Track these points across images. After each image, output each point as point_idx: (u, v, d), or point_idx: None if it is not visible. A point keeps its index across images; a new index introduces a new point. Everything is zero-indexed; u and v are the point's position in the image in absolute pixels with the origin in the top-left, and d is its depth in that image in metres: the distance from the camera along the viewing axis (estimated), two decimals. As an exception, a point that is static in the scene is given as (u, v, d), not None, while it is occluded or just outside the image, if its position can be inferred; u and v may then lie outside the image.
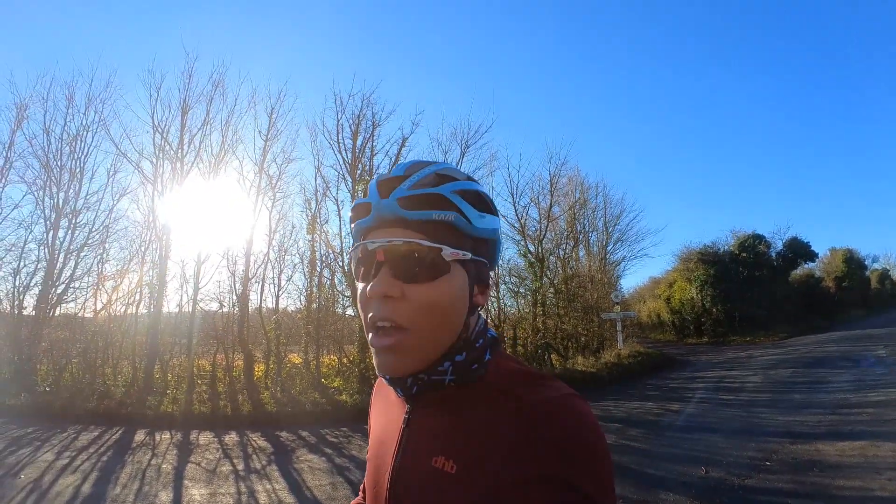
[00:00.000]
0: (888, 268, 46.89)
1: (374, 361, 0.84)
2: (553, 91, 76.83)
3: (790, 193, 70.27)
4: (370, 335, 0.82)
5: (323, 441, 8.41)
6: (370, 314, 0.82)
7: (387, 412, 0.96)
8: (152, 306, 13.72)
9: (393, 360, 0.81)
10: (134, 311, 14.14)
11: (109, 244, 14.85)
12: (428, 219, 0.80)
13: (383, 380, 0.89)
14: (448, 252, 0.80)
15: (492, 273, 0.94)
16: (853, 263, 38.23)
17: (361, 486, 1.05)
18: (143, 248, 14.47)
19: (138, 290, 14.14)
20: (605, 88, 78.71)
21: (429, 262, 0.80)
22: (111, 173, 14.82)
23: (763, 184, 73.09)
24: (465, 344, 0.84)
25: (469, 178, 0.88)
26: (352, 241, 0.90)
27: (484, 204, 0.86)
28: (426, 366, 0.82)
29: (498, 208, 0.93)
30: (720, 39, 79.05)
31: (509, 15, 78.69)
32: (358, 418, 10.21)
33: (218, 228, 17.03)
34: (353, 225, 0.88)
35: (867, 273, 41.82)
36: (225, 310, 14.20)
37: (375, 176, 0.89)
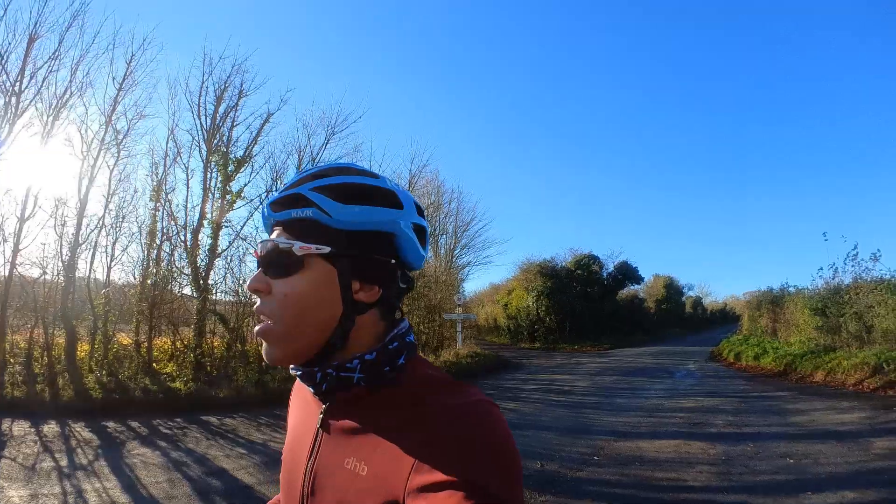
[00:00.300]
0: (701, 296, 54.30)
1: None
2: (422, 94, 77.45)
3: (625, 222, 78.29)
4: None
5: (156, 433, 7.95)
6: None
7: (303, 410, 0.98)
8: None
9: (267, 349, 0.86)
10: (-65, 273, 12.16)
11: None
12: (287, 217, 0.86)
13: (294, 374, 0.91)
14: (297, 247, 0.83)
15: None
16: (672, 289, 43.75)
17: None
18: None
19: None
20: (472, 97, 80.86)
21: (285, 257, 0.84)
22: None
23: (603, 210, 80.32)
24: (376, 343, 0.87)
25: (364, 173, 0.90)
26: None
27: (358, 196, 0.85)
28: (300, 358, 0.86)
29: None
30: (586, 57, 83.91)
31: (390, 11, 77.92)
32: (193, 408, 9.78)
33: (49, 182, 15.05)
34: None
35: (683, 298, 48.42)
36: (48, 277, 12.53)
37: None
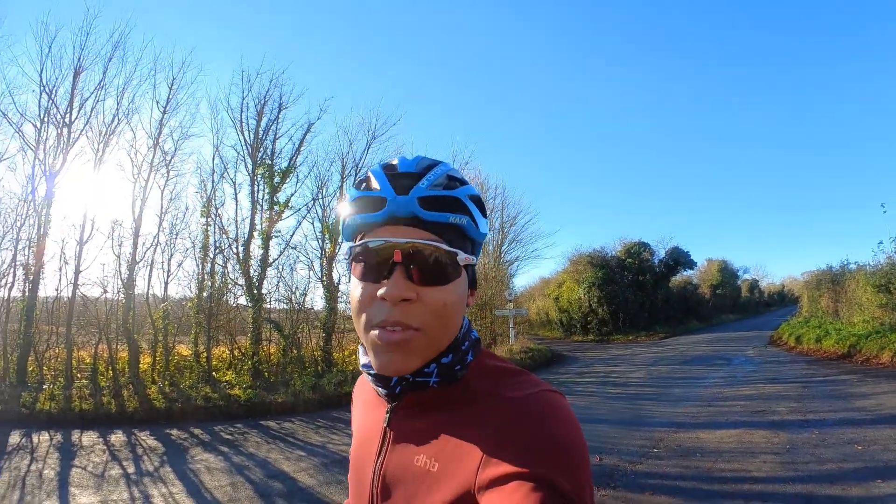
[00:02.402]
0: (757, 279, 52.39)
1: (371, 359, 0.83)
2: (464, 92, 77.51)
3: (676, 207, 76.50)
4: (374, 332, 0.80)
5: (217, 438, 8.14)
6: (378, 317, 0.79)
7: (368, 411, 0.97)
8: (27, 290, 12.30)
9: (399, 359, 0.79)
10: (6, 296, 12.70)
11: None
12: (444, 221, 0.80)
13: (367, 377, 0.90)
14: (462, 257, 0.81)
15: None
16: (727, 273, 42.18)
17: None
18: (18, 224, 12.70)
19: (11, 270, 12.64)
20: (515, 94, 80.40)
21: (447, 265, 0.80)
22: (-14, 135, 12.87)
23: (652, 196, 78.70)
24: (452, 346, 0.84)
25: (469, 182, 0.88)
26: (343, 234, 0.89)
27: (483, 209, 0.87)
28: (427, 364, 0.83)
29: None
30: (627, 50, 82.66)
31: (426, 10, 78.29)
32: (252, 413, 9.98)
33: (104, 205, 15.69)
34: (349, 217, 0.85)
35: (739, 282, 46.58)
36: (109, 296, 13.05)
37: (379, 167, 0.86)
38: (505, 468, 0.69)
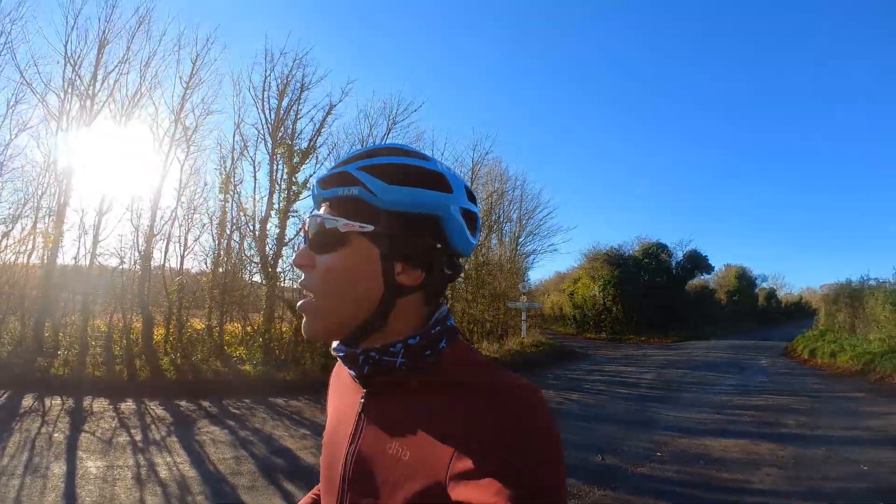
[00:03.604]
0: (775, 287, 51.47)
1: None
2: (488, 82, 77.03)
3: (695, 210, 75.72)
4: None
5: (225, 413, 8.23)
6: None
7: (343, 395, 0.97)
8: (46, 257, 12.55)
9: (305, 322, 0.87)
10: (25, 262, 12.86)
11: (2, 184, 13.08)
12: (334, 195, 0.86)
13: (339, 359, 0.91)
14: (341, 224, 0.83)
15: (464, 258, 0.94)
16: (744, 280, 41.71)
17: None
18: (39, 192, 12.99)
19: (31, 238, 12.81)
20: (535, 83, 79.87)
21: (329, 234, 0.84)
22: (11, 104, 13.00)
23: (672, 198, 78.03)
24: (419, 328, 0.85)
25: (414, 155, 0.87)
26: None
27: (404, 177, 0.83)
28: (337, 334, 0.87)
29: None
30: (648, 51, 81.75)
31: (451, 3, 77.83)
32: (261, 390, 10.06)
33: (124, 178, 15.82)
34: None
35: (756, 290, 45.80)
36: (125, 266, 13.20)
37: None
38: (477, 461, 0.69)
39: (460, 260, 0.91)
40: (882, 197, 75.71)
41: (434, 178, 0.85)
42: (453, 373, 0.82)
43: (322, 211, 0.88)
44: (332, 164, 0.90)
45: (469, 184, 0.90)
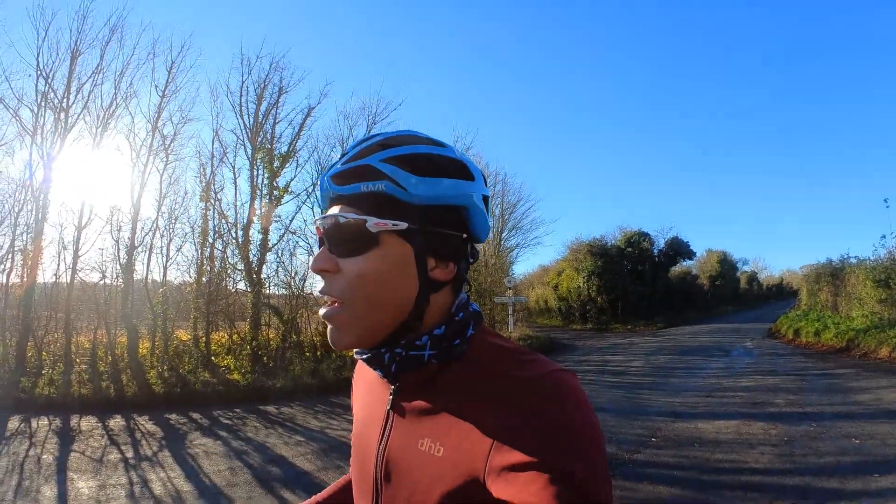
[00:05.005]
0: (756, 270, 52.40)
1: None
2: (464, 79, 77.20)
3: (676, 197, 76.59)
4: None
5: (216, 423, 8.15)
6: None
7: (369, 393, 0.94)
8: (25, 275, 12.26)
9: (333, 333, 0.81)
10: (4, 281, 12.65)
11: (-23, 203, 12.77)
12: (356, 192, 0.79)
13: (362, 361, 0.86)
14: (372, 223, 0.78)
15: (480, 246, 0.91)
16: (726, 265, 42.18)
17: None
18: (16, 209, 12.69)
19: (9, 256, 12.53)
20: (512, 77, 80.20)
21: (356, 235, 0.78)
22: (-17, 121, 12.73)
23: (652, 186, 78.84)
24: (442, 318, 0.82)
25: (432, 142, 0.84)
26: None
27: (433, 167, 0.80)
28: (371, 342, 0.81)
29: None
30: (626, 44, 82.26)
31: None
32: (251, 398, 10.00)
33: (103, 190, 15.60)
34: None
35: (738, 274, 46.67)
36: (107, 281, 12.98)
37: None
38: (518, 456, 0.66)
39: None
40: (862, 172, 77.08)
41: (459, 167, 0.82)
42: (484, 361, 0.79)
43: (338, 209, 0.81)
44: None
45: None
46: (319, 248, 0.83)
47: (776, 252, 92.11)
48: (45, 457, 6.30)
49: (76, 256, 12.56)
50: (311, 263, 0.82)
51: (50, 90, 12.77)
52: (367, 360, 0.84)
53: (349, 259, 0.79)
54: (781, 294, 53.17)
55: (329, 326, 0.81)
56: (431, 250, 0.80)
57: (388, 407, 0.85)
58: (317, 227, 0.83)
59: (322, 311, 0.81)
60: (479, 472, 0.69)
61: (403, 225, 0.78)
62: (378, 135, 0.84)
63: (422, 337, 0.80)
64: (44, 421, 8.03)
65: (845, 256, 20.96)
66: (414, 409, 0.81)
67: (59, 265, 12.77)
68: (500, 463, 0.67)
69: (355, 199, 0.79)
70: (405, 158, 0.79)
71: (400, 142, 0.82)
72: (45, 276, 12.98)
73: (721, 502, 4.81)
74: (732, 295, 43.66)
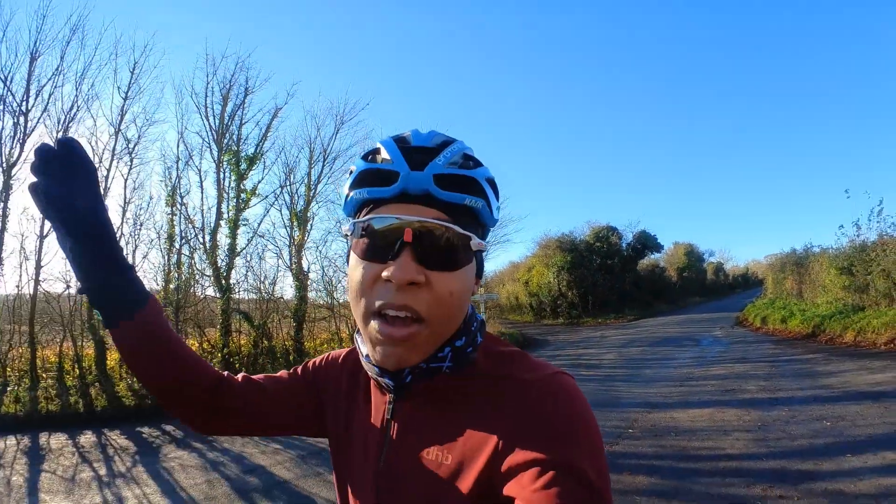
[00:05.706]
0: (722, 261, 53.78)
1: (369, 351, 0.79)
2: (431, 77, 77.19)
3: (643, 192, 78.01)
4: (374, 322, 0.75)
5: (191, 435, 7.95)
6: (381, 300, 0.74)
7: (357, 402, 0.91)
8: None
9: (402, 353, 0.75)
10: (-37, 295, 12.27)
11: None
12: (459, 202, 0.75)
13: (369, 370, 0.83)
14: (475, 242, 0.76)
15: None
16: (693, 256, 43.22)
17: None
18: None
19: None
20: (478, 74, 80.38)
21: (458, 249, 0.75)
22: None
23: (620, 182, 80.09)
24: (464, 328, 0.81)
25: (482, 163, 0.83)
26: (344, 209, 0.83)
27: (498, 194, 0.82)
28: (427, 358, 0.78)
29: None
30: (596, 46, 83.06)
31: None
32: (225, 408, 9.81)
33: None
34: (356, 190, 0.79)
35: (704, 265, 47.77)
36: (72, 291, 12.70)
37: (390, 139, 0.80)
38: (527, 455, 0.67)
39: None
40: (823, 163, 79.13)
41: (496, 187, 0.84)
42: (488, 366, 0.80)
43: (427, 214, 0.74)
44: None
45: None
46: (391, 252, 0.74)
47: (741, 243, 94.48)
48: (14, 479, 6.09)
49: (39, 266, 12.11)
50: (391, 271, 0.72)
51: (8, 93, 12.22)
52: (379, 372, 0.81)
53: (439, 273, 0.74)
54: (747, 284, 54.28)
55: (394, 345, 0.75)
56: (479, 267, 0.83)
57: (388, 416, 0.84)
58: (404, 230, 0.73)
59: (395, 331, 0.74)
60: (491, 474, 0.70)
61: (485, 246, 0.80)
62: (458, 141, 0.80)
63: (444, 349, 0.79)
64: (11, 440, 7.77)
65: (809, 246, 21.80)
66: (418, 417, 0.81)
67: (20, 276, 12.30)
68: (511, 463, 0.68)
69: (452, 209, 0.75)
70: (493, 182, 0.81)
71: (476, 158, 0.82)
72: (6, 287, 12.49)
73: (699, 489, 4.89)
74: (700, 286, 44.62)
